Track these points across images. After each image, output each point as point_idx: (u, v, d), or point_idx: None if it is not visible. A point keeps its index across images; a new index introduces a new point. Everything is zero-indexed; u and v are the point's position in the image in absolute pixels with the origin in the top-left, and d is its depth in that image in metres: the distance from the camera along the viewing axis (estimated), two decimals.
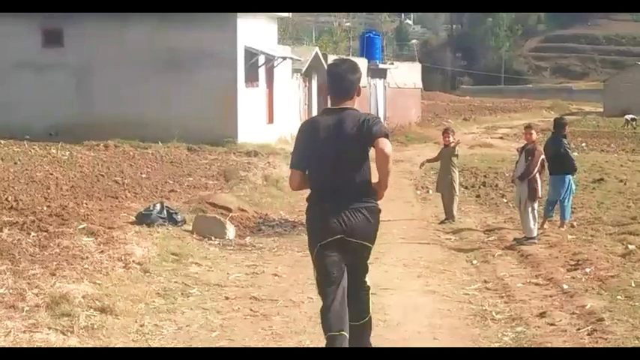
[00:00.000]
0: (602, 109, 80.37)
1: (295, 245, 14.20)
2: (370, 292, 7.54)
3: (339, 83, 7.21)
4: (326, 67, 37.77)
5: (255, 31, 31.42)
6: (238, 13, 29.77)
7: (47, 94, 30.26)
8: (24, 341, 7.96)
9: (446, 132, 18.72)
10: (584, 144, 41.44)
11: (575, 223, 16.74)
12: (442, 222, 17.82)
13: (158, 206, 14.70)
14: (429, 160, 19.54)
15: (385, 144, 6.97)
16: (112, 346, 8.25)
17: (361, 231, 7.04)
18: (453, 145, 18.31)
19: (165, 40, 29.86)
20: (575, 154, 17.60)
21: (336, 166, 7.03)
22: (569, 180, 16.88)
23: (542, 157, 15.34)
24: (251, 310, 9.99)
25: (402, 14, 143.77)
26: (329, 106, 7.45)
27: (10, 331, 8.14)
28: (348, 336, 6.92)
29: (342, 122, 7.05)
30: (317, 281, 7.23)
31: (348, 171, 7.05)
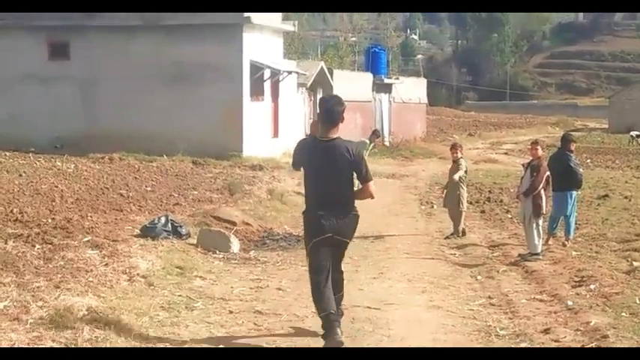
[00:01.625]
0: (607, 126, 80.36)
1: (299, 259, 14.16)
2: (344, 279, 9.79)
3: (329, 115, 9.13)
4: (331, 82, 37.99)
5: (261, 45, 31.49)
6: (244, 27, 29.85)
7: (53, 106, 30.35)
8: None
9: (454, 147, 18.64)
10: (589, 160, 41.40)
11: (567, 242, 16.57)
12: (447, 237, 17.79)
13: (163, 219, 14.71)
14: (445, 187, 19.17)
15: (371, 187, 9.42)
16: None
17: (345, 231, 9.23)
18: (456, 158, 18.21)
19: (170, 53, 29.95)
20: (581, 170, 17.51)
21: (328, 185, 9.05)
22: (574, 196, 16.86)
23: (547, 173, 15.32)
24: (255, 324, 9.97)
25: (408, 29, 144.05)
26: (319, 132, 9.23)
27: (14, 344, 8.13)
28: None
29: (333, 152, 9.02)
30: (311, 269, 9.22)
31: (337, 189, 9.10)
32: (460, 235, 17.80)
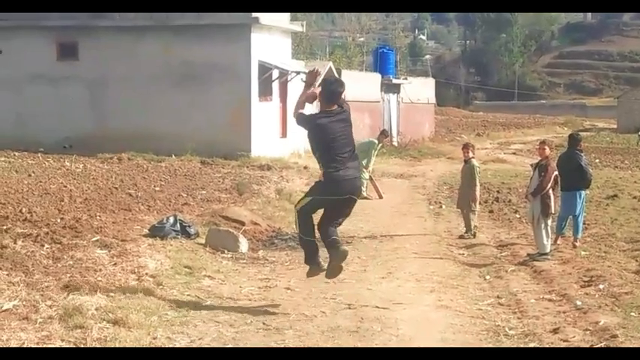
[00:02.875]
0: (615, 126, 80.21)
1: None
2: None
3: (332, 94, 10.78)
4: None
5: (269, 45, 31.51)
6: (252, 27, 29.88)
7: (62, 106, 30.41)
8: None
9: (465, 147, 18.61)
10: (597, 160, 41.32)
11: (577, 243, 16.49)
12: (462, 236, 17.75)
13: (171, 219, 14.72)
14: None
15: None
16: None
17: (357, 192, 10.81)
18: (467, 158, 18.20)
19: (179, 54, 29.99)
20: (591, 170, 17.47)
21: (344, 144, 10.56)
22: (583, 196, 16.83)
23: (556, 173, 15.29)
24: (264, 323, 9.97)
25: (416, 30, 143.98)
26: (321, 108, 10.85)
27: (24, 343, 8.14)
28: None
29: (339, 115, 10.68)
30: (308, 219, 10.81)
31: (351, 144, 10.67)
32: (473, 235, 17.75)
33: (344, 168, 10.51)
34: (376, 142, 25.13)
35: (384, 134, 26.48)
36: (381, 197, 24.53)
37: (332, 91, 10.81)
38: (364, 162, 24.53)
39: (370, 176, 24.63)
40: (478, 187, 18.24)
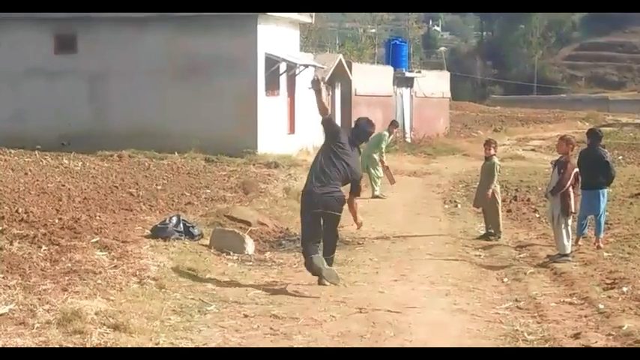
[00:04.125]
0: (639, 121, 79.95)
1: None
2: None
3: (364, 134, 12.80)
4: (350, 75, 37.97)
5: (277, 37, 31.48)
6: (259, 19, 29.86)
7: (60, 102, 30.41)
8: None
9: (487, 144, 18.54)
10: (620, 157, 41.20)
11: (601, 244, 16.40)
12: (483, 237, 17.69)
13: (174, 219, 14.74)
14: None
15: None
16: None
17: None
18: (489, 155, 18.13)
19: (182, 46, 29.94)
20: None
21: (337, 175, 12.19)
22: (606, 194, 16.78)
23: (576, 170, 15.22)
24: (271, 328, 9.98)
25: (430, 21, 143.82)
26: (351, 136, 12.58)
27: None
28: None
29: (354, 153, 12.58)
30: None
31: (342, 180, 12.33)
32: (500, 235, 17.68)
33: (322, 187, 12.02)
34: (386, 133, 25.25)
35: (394, 125, 26.56)
36: (393, 182, 24.83)
37: (365, 131, 12.70)
38: (376, 155, 24.64)
39: (382, 161, 24.79)
40: (493, 186, 18.15)
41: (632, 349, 9.13)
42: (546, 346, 9.52)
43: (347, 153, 12.24)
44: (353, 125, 13.00)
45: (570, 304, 11.66)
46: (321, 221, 12.25)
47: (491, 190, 17.96)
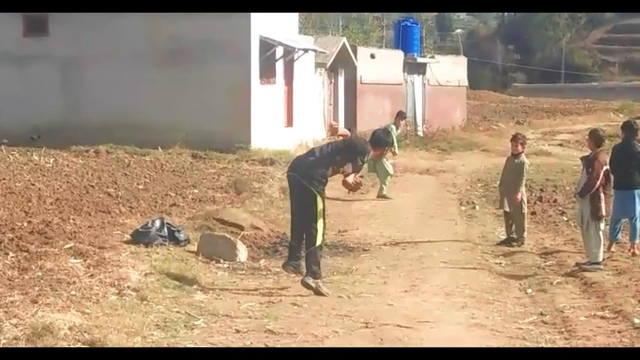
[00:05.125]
0: None
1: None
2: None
3: (382, 141, 13.92)
4: (355, 61, 38.12)
5: (273, 18, 31.43)
6: None
7: (29, 90, 30.41)
8: None
9: (515, 139, 18.49)
10: None
11: (637, 251, 16.38)
12: (504, 242, 17.68)
13: (157, 223, 14.75)
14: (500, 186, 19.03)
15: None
16: None
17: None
18: (517, 152, 18.10)
19: (167, 29, 29.89)
20: None
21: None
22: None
23: (606, 167, 15.15)
24: (266, 345, 10.00)
25: None
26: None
27: None
28: None
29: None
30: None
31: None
32: (523, 241, 17.67)
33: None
34: (393, 127, 25.33)
35: (401, 116, 26.66)
36: (394, 154, 25.07)
37: (383, 140, 14.03)
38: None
39: (395, 153, 25.05)
40: (522, 189, 18.13)
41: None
42: None
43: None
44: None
45: (602, 318, 11.67)
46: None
47: (520, 194, 17.95)
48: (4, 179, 20.42)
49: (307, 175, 12.75)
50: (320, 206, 12.77)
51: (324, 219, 12.98)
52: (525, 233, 17.85)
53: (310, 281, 12.60)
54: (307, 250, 12.82)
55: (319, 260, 12.91)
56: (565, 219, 20.62)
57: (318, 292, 12.55)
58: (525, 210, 18.14)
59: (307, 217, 12.84)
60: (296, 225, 13.12)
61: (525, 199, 18.37)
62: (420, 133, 45.95)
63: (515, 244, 17.58)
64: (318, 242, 12.83)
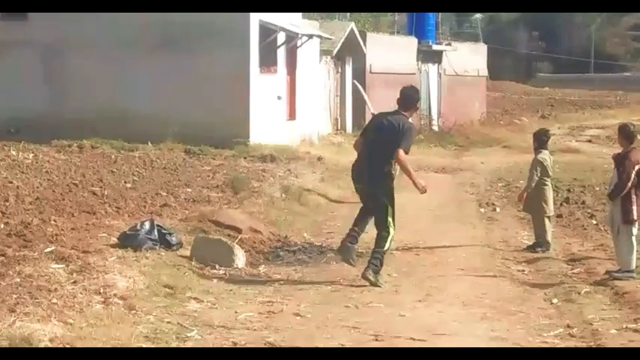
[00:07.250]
0: None
1: (323, 276, 14.23)
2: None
3: (409, 98, 14.81)
4: (364, 48, 38.25)
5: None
6: None
7: (6, 80, 30.41)
8: None
9: (533, 136, 18.49)
10: None
11: None
12: (529, 248, 17.65)
13: (147, 225, 14.75)
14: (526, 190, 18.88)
15: (400, 154, 14.28)
16: None
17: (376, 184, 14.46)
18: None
19: (157, 13, 29.83)
20: None
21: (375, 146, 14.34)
22: None
23: (639, 167, 15.09)
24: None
25: None
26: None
27: None
28: None
29: (390, 119, 14.50)
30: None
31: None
32: (548, 247, 17.63)
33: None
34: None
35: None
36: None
37: (413, 97, 14.99)
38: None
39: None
40: (548, 190, 18.11)
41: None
42: None
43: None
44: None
45: (635, 330, 11.67)
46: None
47: (526, 194, 17.93)
48: None
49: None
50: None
51: (394, 220, 14.37)
52: (550, 237, 17.82)
53: (371, 276, 13.84)
54: (375, 249, 14.16)
55: (383, 260, 14.19)
56: (594, 222, 20.60)
57: (375, 285, 13.83)
58: (549, 212, 18.09)
59: (378, 221, 14.43)
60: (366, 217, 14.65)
61: (550, 200, 18.30)
62: (435, 128, 45.99)
63: (539, 249, 17.56)
64: (386, 247, 14.29)
